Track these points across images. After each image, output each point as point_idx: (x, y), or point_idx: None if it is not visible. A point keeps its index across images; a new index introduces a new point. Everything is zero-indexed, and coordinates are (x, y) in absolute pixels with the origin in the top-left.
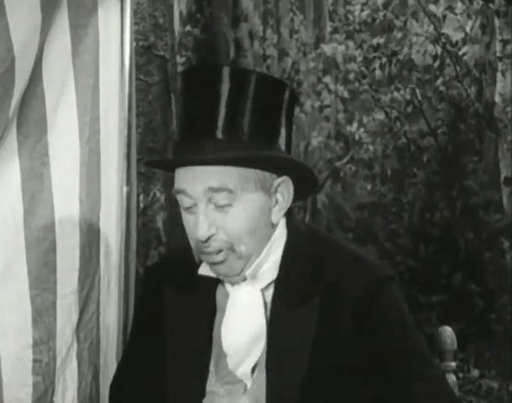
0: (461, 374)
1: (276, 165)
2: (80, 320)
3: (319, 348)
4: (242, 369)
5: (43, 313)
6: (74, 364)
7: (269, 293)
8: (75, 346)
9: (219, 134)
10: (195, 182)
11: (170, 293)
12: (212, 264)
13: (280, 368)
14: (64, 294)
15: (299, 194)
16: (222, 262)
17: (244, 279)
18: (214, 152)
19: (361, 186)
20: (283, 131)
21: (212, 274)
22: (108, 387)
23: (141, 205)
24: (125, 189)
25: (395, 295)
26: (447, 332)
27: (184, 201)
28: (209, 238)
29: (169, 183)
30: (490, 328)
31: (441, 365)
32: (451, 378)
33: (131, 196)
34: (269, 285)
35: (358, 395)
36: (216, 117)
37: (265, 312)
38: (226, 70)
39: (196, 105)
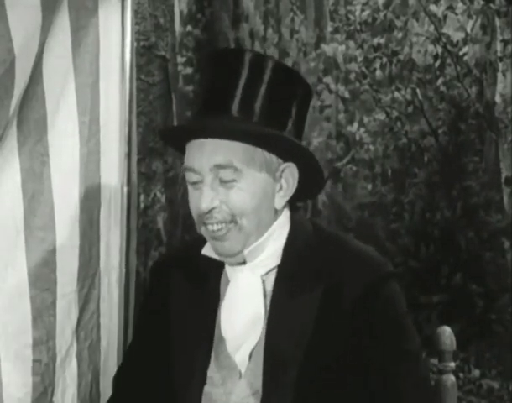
0: (461, 375)
1: (282, 147)
2: (79, 319)
3: (317, 340)
4: (240, 355)
5: (43, 313)
6: (74, 364)
7: (270, 281)
8: (75, 346)
9: (233, 112)
10: (203, 158)
11: (177, 283)
12: (214, 240)
13: (278, 356)
14: (64, 293)
15: (305, 192)
16: (223, 237)
17: (244, 261)
18: (225, 125)
19: (361, 186)
20: (292, 121)
21: (215, 256)
22: (111, 381)
23: (141, 205)
24: (125, 189)
25: (393, 293)
26: (446, 332)
27: (191, 176)
28: (212, 210)
29: (169, 183)
30: (491, 328)
31: (428, 366)
32: (451, 378)
33: (131, 196)
34: (269, 271)
35: (352, 389)
36: (232, 97)
37: (264, 299)
38: (247, 55)
39: (216, 84)
